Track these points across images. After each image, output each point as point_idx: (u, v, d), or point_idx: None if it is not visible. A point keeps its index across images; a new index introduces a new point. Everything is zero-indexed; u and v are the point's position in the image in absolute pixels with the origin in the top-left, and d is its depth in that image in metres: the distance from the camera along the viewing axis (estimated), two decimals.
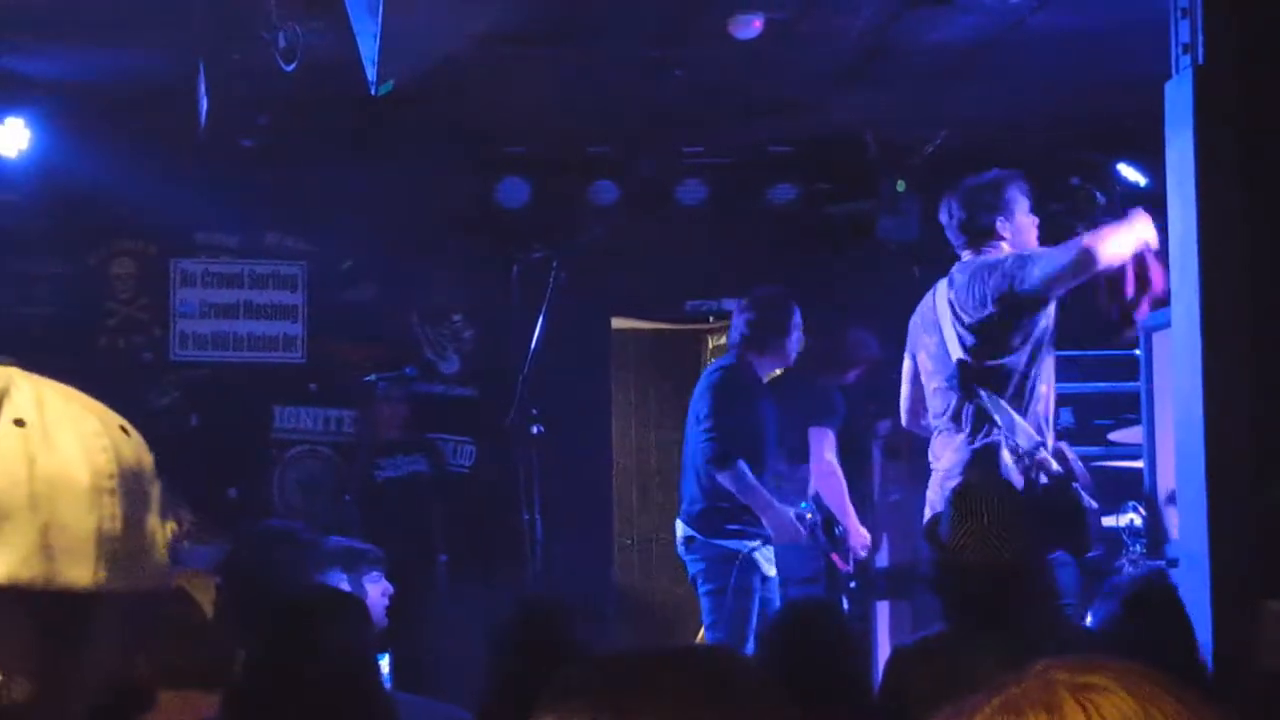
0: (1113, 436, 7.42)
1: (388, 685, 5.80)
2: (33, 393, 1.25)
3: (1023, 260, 5.89)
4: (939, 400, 6.02)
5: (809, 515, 7.65)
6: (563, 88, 7.92)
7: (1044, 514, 5.66)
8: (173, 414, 9.09)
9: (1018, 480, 5.75)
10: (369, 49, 5.19)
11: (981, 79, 7.69)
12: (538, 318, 7.61)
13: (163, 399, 9.11)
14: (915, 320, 6.22)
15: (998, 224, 6.06)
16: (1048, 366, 6.01)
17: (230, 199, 9.01)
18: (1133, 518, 6.77)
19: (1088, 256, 5.74)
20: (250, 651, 3.32)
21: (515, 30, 6.21)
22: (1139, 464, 6.47)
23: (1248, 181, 4.68)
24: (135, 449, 1.28)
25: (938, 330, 6.02)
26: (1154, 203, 5.88)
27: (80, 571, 1.20)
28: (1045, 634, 4.06)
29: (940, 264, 6.40)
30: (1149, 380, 6.28)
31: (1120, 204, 9.02)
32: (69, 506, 1.20)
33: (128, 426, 1.29)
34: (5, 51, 7.43)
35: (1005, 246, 6.06)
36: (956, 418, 5.93)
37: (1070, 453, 5.93)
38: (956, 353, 5.92)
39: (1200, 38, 4.73)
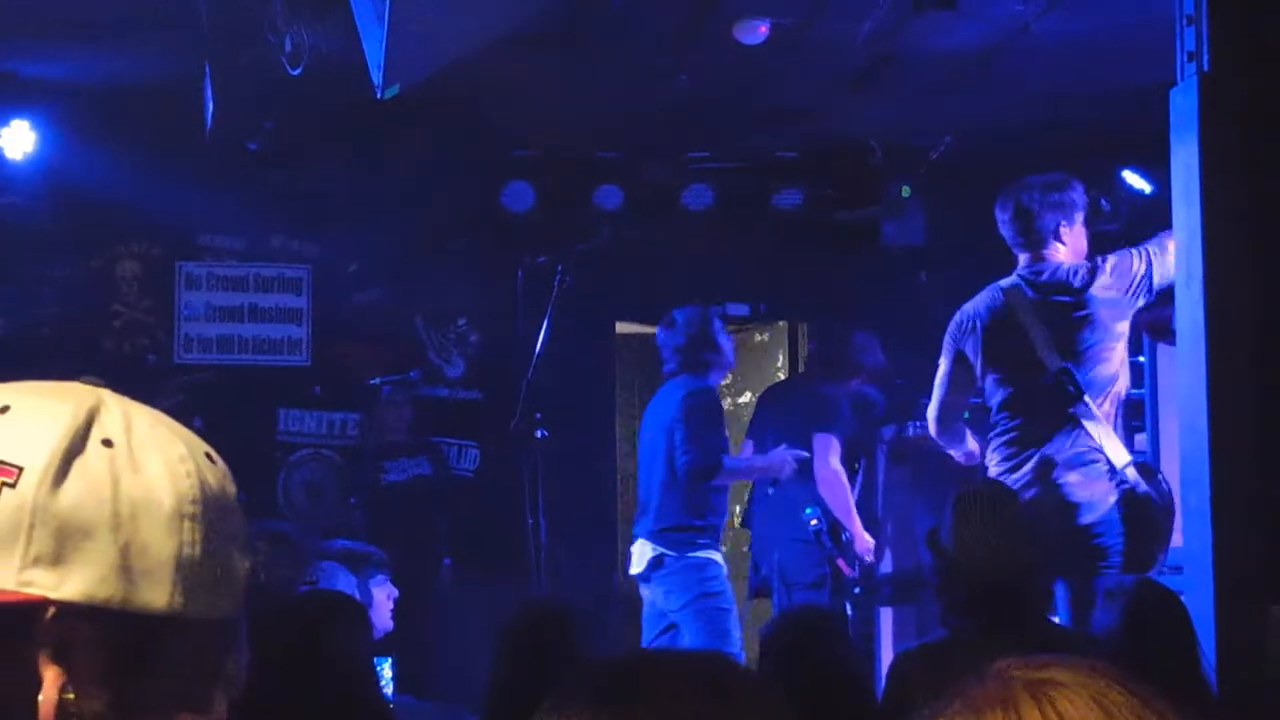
0: None
1: (392, 688, 5.81)
2: (121, 414, 1.26)
3: (1160, 254, 5.73)
4: (1015, 407, 5.84)
5: (814, 521, 7.66)
6: (569, 92, 7.93)
7: (1132, 530, 5.59)
8: (177, 417, 8.88)
9: (1105, 493, 5.67)
10: (375, 53, 5.19)
11: (986, 85, 7.69)
12: (543, 322, 7.61)
13: (167, 401, 9.11)
14: (970, 323, 5.92)
15: (1062, 227, 5.87)
16: (1127, 378, 5.88)
17: (236, 202, 9.02)
18: None
19: None
20: (250, 656, 3.32)
21: (522, 35, 6.21)
22: None
23: (1252, 189, 4.69)
24: (220, 477, 1.29)
25: (1022, 336, 5.81)
26: (1159, 209, 5.86)
27: (157, 594, 1.20)
28: (1047, 639, 4.05)
29: (946, 269, 6.36)
30: (1153, 387, 6.27)
31: (1125, 211, 9.05)
32: (150, 529, 1.21)
33: (213, 454, 1.30)
34: (12, 54, 7.44)
35: (1061, 249, 5.85)
36: (1037, 426, 5.73)
37: (1160, 472, 5.78)
38: (1052, 360, 5.75)
39: (1205, 45, 4.73)
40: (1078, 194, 5.95)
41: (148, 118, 8.00)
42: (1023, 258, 5.91)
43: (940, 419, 6.12)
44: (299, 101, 7.53)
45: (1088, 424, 5.65)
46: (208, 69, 6.77)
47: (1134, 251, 5.84)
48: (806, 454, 7.67)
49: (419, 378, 9.03)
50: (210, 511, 1.25)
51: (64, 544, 1.18)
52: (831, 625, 4.45)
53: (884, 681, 4.26)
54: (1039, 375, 5.73)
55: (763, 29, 6.75)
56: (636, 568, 7.51)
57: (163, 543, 1.21)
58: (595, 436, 9.48)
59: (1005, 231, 5.95)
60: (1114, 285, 5.77)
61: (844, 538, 7.73)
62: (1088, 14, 6.67)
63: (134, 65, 7.43)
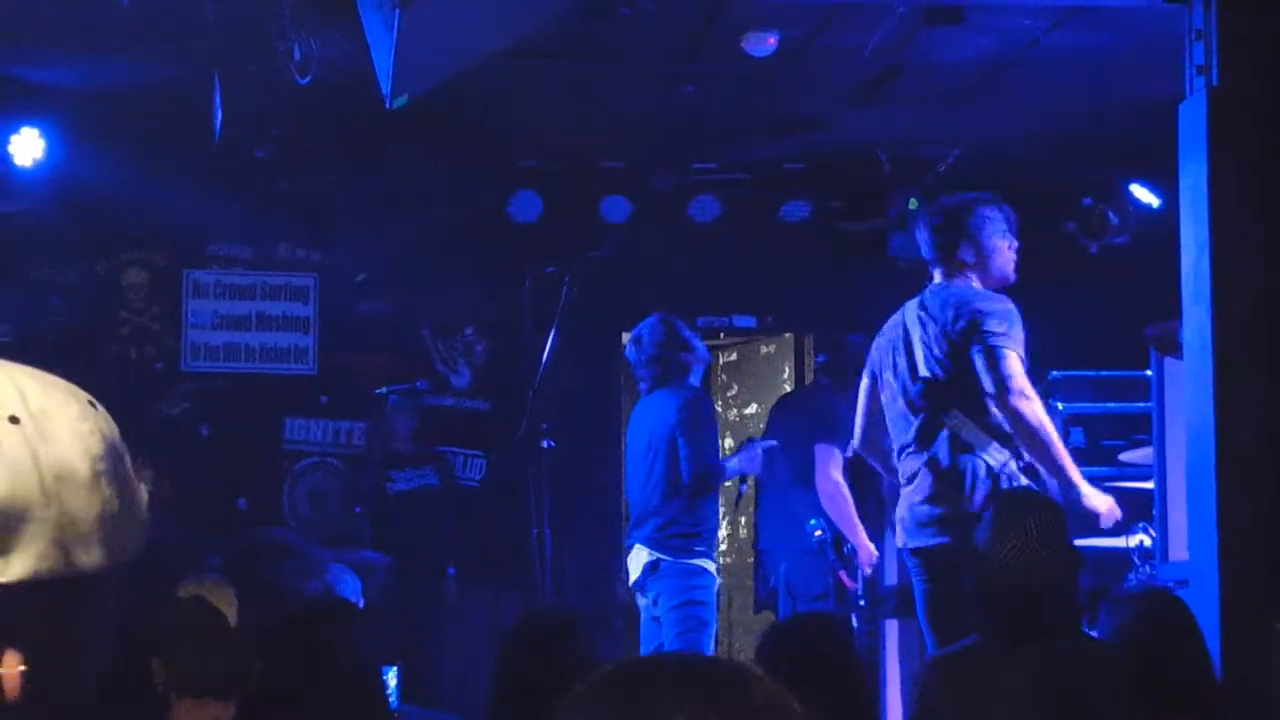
0: (1124, 457, 7.41)
1: (396, 697, 5.81)
2: (13, 386, 1.27)
3: (996, 351, 5.76)
4: (904, 420, 5.94)
5: (819, 532, 7.65)
6: (576, 102, 7.93)
7: None
8: (183, 424, 9.11)
9: (983, 493, 5.69)
10: (384, 62, 5.20)
11: (995, 98, 7.69)
12: (549, 332, 7.61)
13: (174, 409, 9.12)
14: (881, 339, 6.12)
15: (961, 246, 5.99)
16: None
17: (243, 210, 9.02)
18: (1143, 538, 6.76)
19: (1043, 444, 5.63)
20: (263, 660, 3.33)
21: (530, 45, 6.22)
22: (1150, 485, 6.47)
23: (1261, 202, 4.69)
24: (107, 421, 1.31)
25: (906, 349, 5.95)
26: (1166, 223, 5.87)
27: (90, 556, 1.24)
28: (1074, 649, 4.05)
29: None
30: (1160, 401, 6.27)
31: (1133, 224, 9.04)
32: (75, 497, 1.24)
33: (93, 400, 1.32)
34: (20, 60, 7.45)
35: (971, 269, 5.97)
36: (924, 437, 5.87)
37: (1042, 469, 5.84)
38: (925, 370, 5.85)
39: (1215, 60, 4.73)
40: (984, 215, 5.97)
41: (156, 125, 8.01)
42: (936, 274, 6.00)
43: (863, 436, 6.24)
44: (307, 110, 7.55)
45: (959, 430, 5.72)
46: (216, 77, 6.78)
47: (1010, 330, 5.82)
48: (774, 442, 7.78)
49: (425, 387, 9.03)
50: (115, 461, 1.28)
51: (3, 530, 1.21)
52: (833, 632, 4.41)
53: (915, 686, 4.25)
54: (915, 384, 5.84)
55: (771, 40, 6.75)
56: (634, 574, 7.52)
57: (88, 506, 1.24)
58: (601, 446, 9.47)
59: (922, 250, 6.08)
60: (997, 326, 5.82)
61: (846, 550, 7.73)
62: (1096, 28, 6.67)
63: (142, 73, 7.44)
